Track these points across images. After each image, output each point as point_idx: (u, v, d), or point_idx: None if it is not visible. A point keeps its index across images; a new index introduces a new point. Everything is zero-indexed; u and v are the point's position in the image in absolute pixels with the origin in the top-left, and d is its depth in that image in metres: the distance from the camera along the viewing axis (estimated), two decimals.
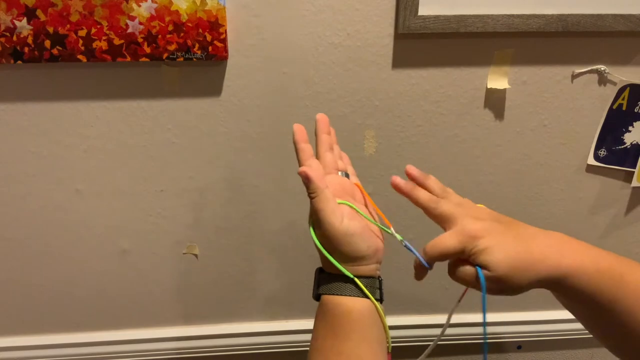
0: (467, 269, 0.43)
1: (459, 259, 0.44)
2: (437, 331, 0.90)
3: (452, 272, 0.44)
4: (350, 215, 0.46)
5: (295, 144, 0.49)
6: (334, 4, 0.66)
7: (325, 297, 0.46)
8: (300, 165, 0.48)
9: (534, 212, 0.81)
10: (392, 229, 0.48)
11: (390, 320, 0.45)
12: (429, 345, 0.49)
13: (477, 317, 0.89)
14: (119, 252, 0.79)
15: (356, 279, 0.45)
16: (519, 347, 0.93)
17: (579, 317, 0.46)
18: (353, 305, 0.44)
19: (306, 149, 0.49)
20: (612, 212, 0.83)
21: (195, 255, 0.81)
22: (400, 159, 0.76)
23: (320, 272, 0.48)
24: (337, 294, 0.45)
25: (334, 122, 0.72)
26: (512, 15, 0.66)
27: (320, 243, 0.46)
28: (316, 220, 0.45)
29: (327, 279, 0.46)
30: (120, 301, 0.83)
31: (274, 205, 0.78)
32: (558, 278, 0.41)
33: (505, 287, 0.42)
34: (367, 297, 0.45)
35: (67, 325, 0.84)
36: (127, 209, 0.76)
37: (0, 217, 0.75)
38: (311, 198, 0.45)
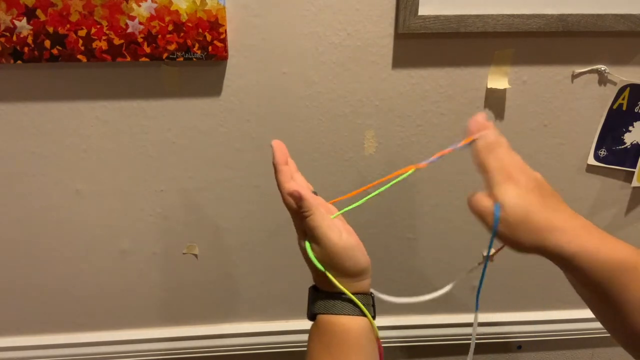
0: (486, 200, 0.42)
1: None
2: (441, 331, 0.91)
3: (471, 201, 0.44)
4: (346, 229, 0.46)
5: (275, 165, 0.48)
6: (334, 4, 0.66)
7: (321, 317, 0.46)
8: (280, 186, 0.47)
9: None
10: None
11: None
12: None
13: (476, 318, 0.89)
14: (118, 252, 0.79)
15: (354, 297, 0.44)
16: (519, 347, 0.93)
17: (587, 302, 0.46)
18: (351, 324, 0.44)
19: (286, 170, 0.48)
20: (612, 212, 0.83)
21: (195, 255, 0.81)
22: (400, 159, 0.76)
23: (314, 290, 0.48)
24: (336, 313, 0.45)
25: (334, 122, 0.73)
26: (512, 15, 0.66)
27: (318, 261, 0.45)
28: (314, 237, 0.44)
29: (323, 297, 0.46)
30: (120, 301, 0.83)
31: (274, 205, 0.77)
32: (565, 255, 0.40)
33: (509, 236, 0.41)
34: (364, 315, 0.45)
35: (67, 325, 0.84)
36: (127, 209, 0.76)
37: (0, 217, 0.75)
38: (305, 217, 0.44)
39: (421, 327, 0.89)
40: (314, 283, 0.49)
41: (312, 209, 0.44)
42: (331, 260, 0.44)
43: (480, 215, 0.42)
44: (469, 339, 0.90)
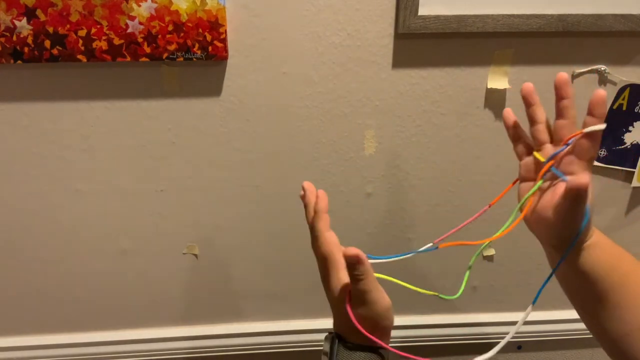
0: (587, 176, 0.42)
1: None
2: (441, 331, 0.91)
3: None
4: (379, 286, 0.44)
5: (317, 211, 0.46)
6: (334, 4, 0.66)
7: None
8: (318, 233, 0.46)
9: None
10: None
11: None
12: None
13: (476, 317, 0.90)
14: (119, 252, 0.79)
15: (388, 348, 0.43)
16: (519, 347, 0.93)
17: (582, 301, 0.47)
18: None
19: (328, 219, 0.46)
20: (612, 212, 0.83)
21: (195, 255, 0.81)
22: (400, 159, 0.76)
23: (339, 341, 0.45)
24: None
25: (334, 122, 0.73)
26: (512, 15, 0.66)
27: (357, 319, 0.43)
28: (362, 300, 0.42)
29: (352, 348, 0.44)
30: (120, 301, 0.83)
31: (274, 205, 0.78)
32: (589, 243, 0.43)
33: (573, 213, 0.42)
34: None
35: (67, 325, 0.84)
36: (127, 209, 0.76)
37: (0, 217, 0.75)
38: (358, 280, 0.41)
39: (421, 327, 0.89)
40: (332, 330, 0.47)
41: (366, 273, 0.41)
42: (373, 320, 0.43)
43: (572, 189, 0.41)
44: (469, 339, 0.91)
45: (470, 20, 0.66)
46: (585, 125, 0.42)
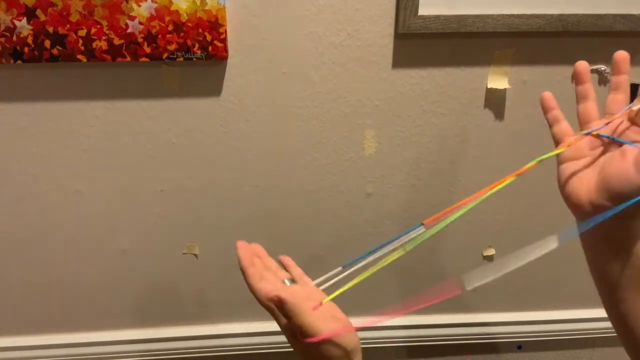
0: None
1: None
2: (441, 331, 0.91)
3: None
4: (330, 312, 0.44)
5: (241, 269, 0.47)
6: (334, 4, 0.66)
7: None
8: (252, 290, 0.46)
9: (534, 212, 0.81)
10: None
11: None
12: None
13: (476, 317, 0.90)
14: (118, 252, 0.79)
15: None
16: (519, 347, 0.93)
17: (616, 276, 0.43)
18: None
19: (254, 273, 0.48)
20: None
21: (195, 255, 0.81)
22: (400, 159, 0.76)
23: None
24: None
25: (334, 122, 0.73)
26: (512, 15, 0.66)
27: (303, 352, 0.43)
28: (303, 334, 0.42)
29: None
30: (120, 301, 0.83)
31: (274, 205, 0.78)
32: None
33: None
34: None
35: (67, 325, 0.84)
36: (127, 209, 0.76)
37: (0, 217, 0.75)
38: (291, 318, 0.42)
39: (421, 327, 0.89)
40: None
41: (295, 309, 0.42)
42: (321, 351, 0.43)
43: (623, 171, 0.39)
44: (469, 339, 0.91)
45: (470, 20, 0.66)
46: (614, 83, 0.44)
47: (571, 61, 0.72)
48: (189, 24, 0.63)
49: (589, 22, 0.67)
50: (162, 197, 0.75)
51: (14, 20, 0.61)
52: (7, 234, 0.76)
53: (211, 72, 0.68)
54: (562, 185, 0.44)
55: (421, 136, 0.75)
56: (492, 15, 0.66)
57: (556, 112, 0.48)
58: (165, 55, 0.64)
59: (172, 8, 0.62)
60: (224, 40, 0.64)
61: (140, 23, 0.62)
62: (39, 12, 0.61)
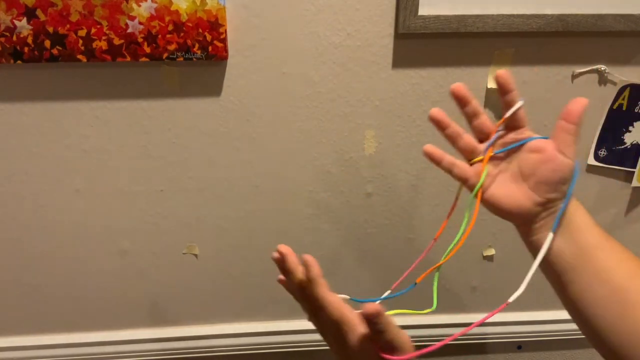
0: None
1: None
2: (441, 331, 0.91)
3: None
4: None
5: (312, 278, 0.44)
6: (334, 4, 0.66)
7: None
8: (322, 301, 0.43)
9: None
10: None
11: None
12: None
13: (476, 317, 0.89)
14: (118, 252, 0.79)
15: None
16: (519, 347, 0.93)
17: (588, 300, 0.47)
18: None
19: (325, 283, 0.44)
20: (612, 212, 0.83)
21: (195, 255, 0.81)
22: (400, 159, 0.76)
23: None
24: None
25: (334, 122, 0.73)
26: (512, 15, 0.66)
27: None
28: (391, 348, 0.41)
29: None
30: (120, 301, 0.83)
31: (273, 205, 0.78)
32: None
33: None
34: None
35: (67, 325, 0.84)
36: (127, 209, 0.76)
37: (0, 217, 0.75)
38: (382, 331, 0.39)
39: (421, 327, 0.89)
40: None
41: (387, 323, 0.39)
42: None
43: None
44: (469, 339, 0.91)
45: (470, 20, 0.66)
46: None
47: (571, 61, 0.72)
48: (189, 24, 0.63)
49: (589, 22, 0.67)
50: (162, 197, 0.75)
51: (14, 20, 0.61)
52: (7, 234, 0.76)
53: (211, 72, 0.68)
54: (498, 208, 0.49)
55: (421, 136, 0.75)
56: (492, 15, 0.66)
57: (454, 127, 0.50)
58: (165, 55, 0.64)
59: (172, 8, 0.62)
60: (224, 40, 0.64)
61: (140, 23, 0.62)
62: (39, 12, 0.61)
